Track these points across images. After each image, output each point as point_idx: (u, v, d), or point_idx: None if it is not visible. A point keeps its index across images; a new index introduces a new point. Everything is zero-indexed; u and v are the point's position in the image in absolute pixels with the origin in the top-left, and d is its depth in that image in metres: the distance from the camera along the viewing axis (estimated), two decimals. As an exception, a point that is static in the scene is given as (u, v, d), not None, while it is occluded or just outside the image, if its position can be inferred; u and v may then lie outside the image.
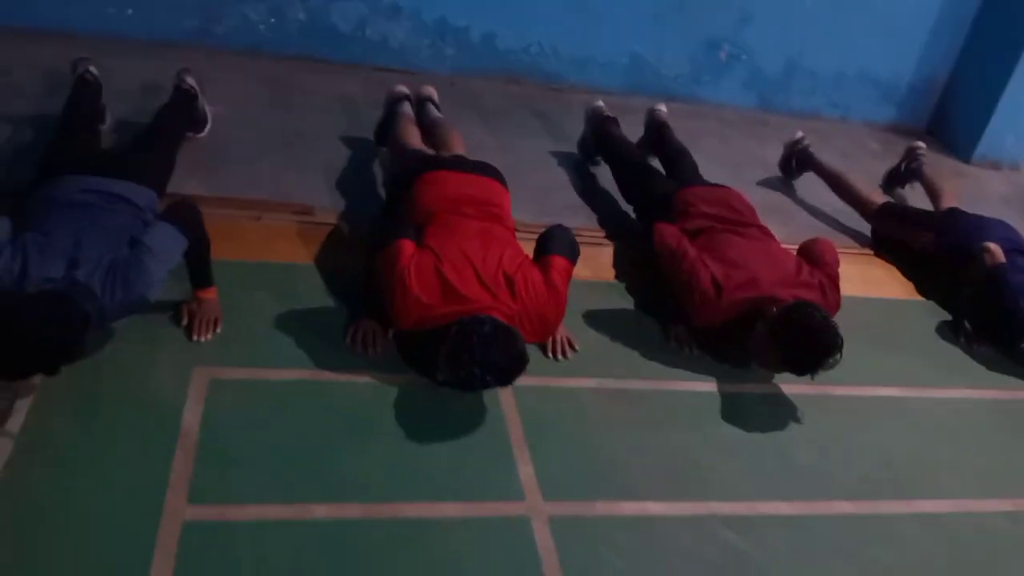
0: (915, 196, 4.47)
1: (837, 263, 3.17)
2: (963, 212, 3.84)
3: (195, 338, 2.60)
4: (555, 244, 2.84)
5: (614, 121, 4.13)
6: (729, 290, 2.91)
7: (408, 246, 2.66)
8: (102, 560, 1.92)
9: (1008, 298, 3.31)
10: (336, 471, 2.26)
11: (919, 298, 3.71)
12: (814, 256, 3.16)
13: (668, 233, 3.11)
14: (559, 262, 2.79)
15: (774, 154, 4.58)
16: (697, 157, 3.95)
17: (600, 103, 4.25)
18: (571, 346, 2.92)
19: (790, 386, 2.96)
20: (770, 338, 2.77)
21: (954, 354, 3.37)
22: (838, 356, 2.70)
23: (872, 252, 4.01)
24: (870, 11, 5.26)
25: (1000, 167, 5.48)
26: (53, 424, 2.23)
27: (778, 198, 4.37)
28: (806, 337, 2.70)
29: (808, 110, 5.55)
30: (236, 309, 2.73)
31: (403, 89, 3.91)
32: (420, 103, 3.90)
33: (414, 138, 3.52)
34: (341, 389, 2.55)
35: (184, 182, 3.27)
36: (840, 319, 2.87)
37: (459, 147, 3.54)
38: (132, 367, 2.45)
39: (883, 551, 2.40)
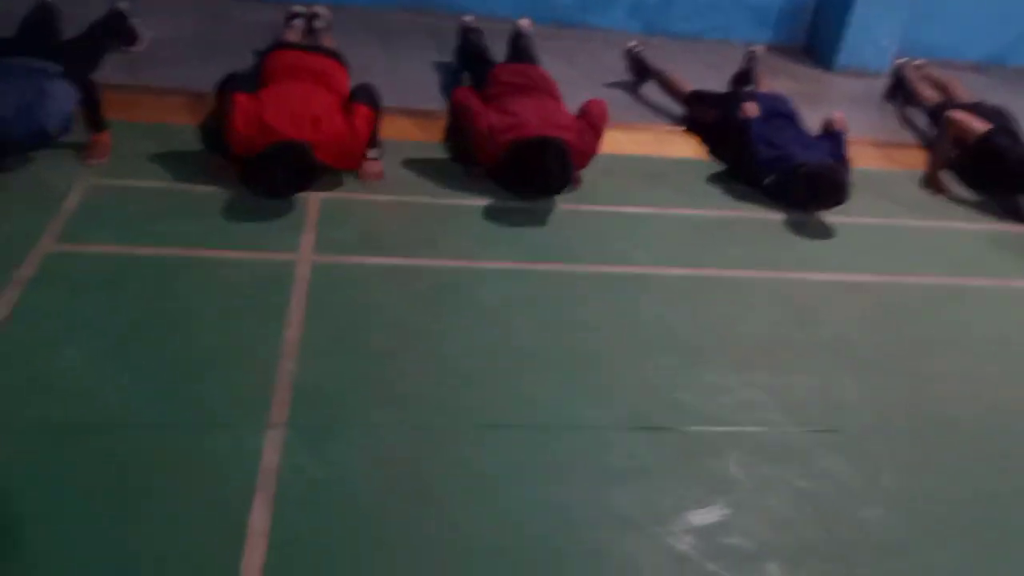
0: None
1: (601, 116, 3.98)
2: (750, 91, 4.60)
3: (87, 162, 3.59)
4: (359, 95, 3.76)
5: (477, 32, 5.02)
6: (499, 132, 3.78)
7: (240, 97, 3.58)
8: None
9: (750, 145, 4.09)
10: (165, 230, 3.23)
11: (707, 159, 4.48)
12: (583, 110, 3.99)
13: (460, 93, 3.99)
14: (360, 108, 3.70)
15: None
16: (569, 70, 4.87)
17: (469, 18, 5.15)
18: (378, 175, 3.81)
19: (557, 204, 3.81)
20: (508, 162, 3.64)
21: (710, 190, 4.16)
22: (556, 178, 3.56)
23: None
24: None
25: (864, 75, 6.12)
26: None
27: (621, 95, 5.15)
28: (531, 162, 3.57)
29: (691, 33, 6.30)
30: (123, 149, 3.72)
31: (297, 8, 4.90)
32: (309, 18, 4.86)
33: (287, 37, 4.48)
34: (188, 194, 3.51)
35: (112, 76, 4.29)
36: (622, 166, 3.82)
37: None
38: (36, 174, 3.48)
39: (574, 306, 3.22)
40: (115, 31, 4.55)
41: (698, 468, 2.53)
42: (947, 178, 4.53)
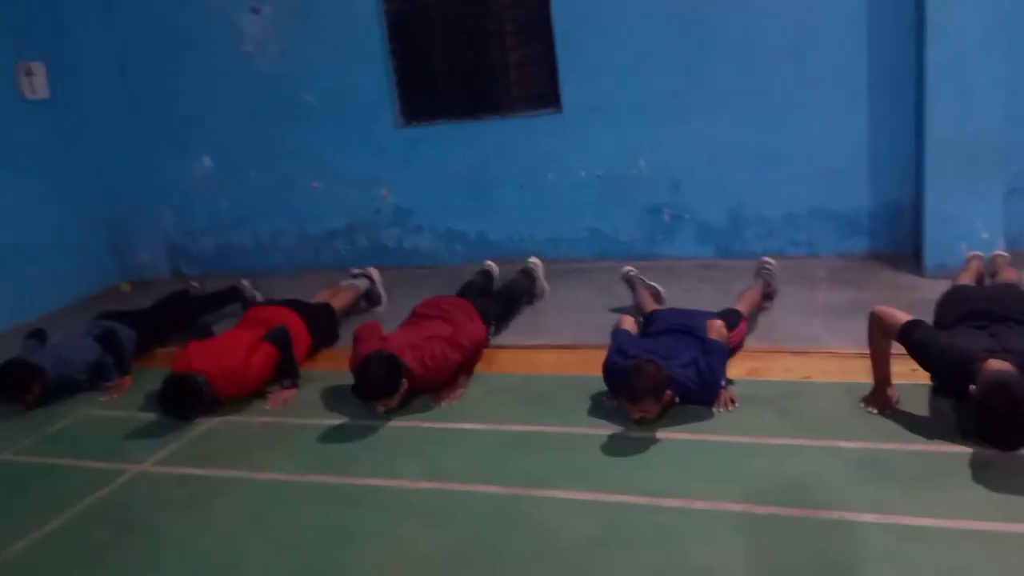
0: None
1: (469, 336, 4.27)
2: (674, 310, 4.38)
3: (105, 395, 4.84)
4: (268, 336, 4.51)
5: (484, 274, 5.60)
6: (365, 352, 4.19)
7: (191, 343, 4.54)
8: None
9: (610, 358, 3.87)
10: (74, 438, 4.23)
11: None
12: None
13: (360, 326, 4.50)
14: (263, 346, 4.46)
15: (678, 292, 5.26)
16: (597, 298, 5.43)
17: (488, 263, 5.72)
18: (285, 401, 4.44)
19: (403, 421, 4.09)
20: None
21: (575, 407, 3.95)
22: (371, 385, 3.91)
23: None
24: (800, 157, 5.75)
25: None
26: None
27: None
28: (359, 371, 4.00)
29: (770, 251, 5.87)
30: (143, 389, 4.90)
31: (355, 270, 5.98)
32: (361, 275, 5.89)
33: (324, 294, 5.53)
34: (127, 420, 4.51)
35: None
36: (514, 385, 4.26)
37: (336, 297, 5.47)
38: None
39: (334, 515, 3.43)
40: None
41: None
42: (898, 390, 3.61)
